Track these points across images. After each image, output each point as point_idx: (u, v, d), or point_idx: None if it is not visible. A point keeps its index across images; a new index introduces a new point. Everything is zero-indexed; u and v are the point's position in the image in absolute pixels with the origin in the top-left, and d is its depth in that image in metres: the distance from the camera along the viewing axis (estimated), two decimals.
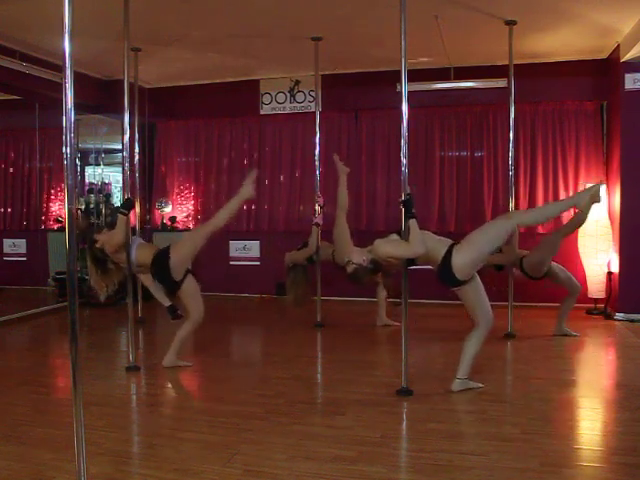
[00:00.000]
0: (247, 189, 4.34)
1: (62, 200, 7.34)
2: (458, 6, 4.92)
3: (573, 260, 6.29)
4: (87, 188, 7.78)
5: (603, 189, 6.01)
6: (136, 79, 6.25)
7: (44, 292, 7.35)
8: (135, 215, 5.85)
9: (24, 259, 7.53)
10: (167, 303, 4.62)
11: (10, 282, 7.43)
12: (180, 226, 7.88)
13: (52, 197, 7.68)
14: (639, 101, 5.96)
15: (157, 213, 7.99)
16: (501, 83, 6.21)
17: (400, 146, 3.84)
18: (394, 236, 3.92)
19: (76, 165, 7.30)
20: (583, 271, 6.36)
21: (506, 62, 5.52)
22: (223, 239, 7.44)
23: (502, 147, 6.80)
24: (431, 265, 3.87)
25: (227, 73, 7.42)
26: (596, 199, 4.04)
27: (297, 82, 7.55)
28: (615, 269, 6.25)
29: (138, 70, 6.26)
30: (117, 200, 7.76)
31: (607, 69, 6.47)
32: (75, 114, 2.34)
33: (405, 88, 3.78)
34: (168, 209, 7.89)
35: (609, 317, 6.13)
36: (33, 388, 4.03)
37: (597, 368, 4.64)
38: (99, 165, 7.76)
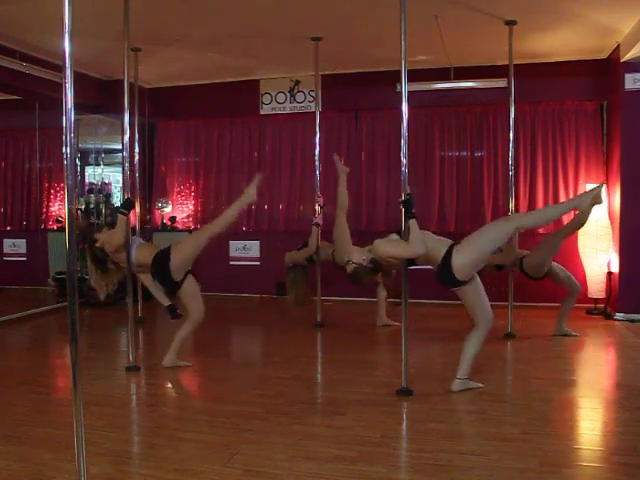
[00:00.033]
0: (250, 194, 4.35)
1: (62, 200, 7.35)
2: (458, 6, 4.92)
3: (573, 260, 6.29)
4: (87, 188, 7.79)
5: (603, 189, 6.01)
6: (136, 79, 6.24)
7: (44, 292, 7.35)
8: (135, 215, 5.84)
9: (24, 259, 7.53)
10: (167, 303, 4.62)
11: (10, 282, 7.43)
12: (180, 226, 7.88)
13: (52, 197, 7.68)
14: (639, 101, 5.96)
15: (157, 213, 7.99)
16: (501, 83, 6.21)
17: (400, 146, 3.84)
18: (394, 236, 3.92)
19: (76, 165, 7.30)
20: (583, 271, 6.36)
21: (506, 62, 5.52)
22: (223, 239, 7.42)
23: (502, 147, 6.81)
24: (431, 265, 3.87)
25: (227, 73, 7.42)
26: (598, 200, 4.04)
27: (297, 82, 7.55)
28: (615, 269, 6.25)
29: (138, 70, 6.26)
30: (117, 200, 7.76)
31: (607, 69, 6.47)
32: (75, 114, 2.34)
33: (405, 88, 3.78)
34: (168, 209, 7.89)
35: (609, 317, 6.13)
36: (33, 388, 4.03)
37: (597, 368, 4.64)
38: (99, 165, 7.76)
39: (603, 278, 6.33)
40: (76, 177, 7.32)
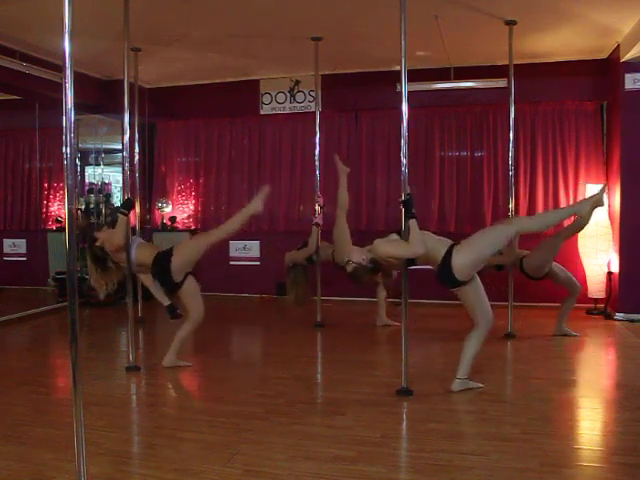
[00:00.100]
0: (256, 204, 4.34)
1: (62, 200, 7.35)
2: (458, 6, 4.92)
3: (573, 260, 6.29)
4: (87, 188, 7.79)
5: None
6: (136, 79, 6.24)
7: (44, 292, 7.35)
8: (135, 215, 5.84)
9: (24, 259, 7.53)
10: (166, 302, 4.62)
11: (10, 282, 7.43)
12: (180, 226, 7.88)
13: (52, 197, 7.68)
14: (639, 101, 5.96)
15: (157, 213, 7.99)
16: (501, 83, 6.21)
17: (400, 146, 3.84)
18: (394, 236, 3.93)
19: (76, 165, 7.30)
20: (583, 271, 6.36)
21: (506, 62, 5.52)
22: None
23: (502, 147, 6.80)
24: (431, 265, 3.87)
25: (227, 73, 7.42)
26: (599, 203, 4.03)
27: (297, 82, 7.55)
28: (615, 269, 6.25)
29: (138, 70, 6.25)
30: (117, 200, 7.76)
31: (607, 69, 6.47)
32: (75, 114, 2.34)
33: (405, 88, 3.78)
34: (168, 209, 7.89)
35: (609, 317, 6.13)
36: (33, 388, 4.03)
37: (597, 368, 4.64)
38: (99, 165, 7.76)
39: (603, 278, 6.33)
40: (76, 177, 7.32)
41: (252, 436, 3.14)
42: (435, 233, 3.94)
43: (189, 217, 7.96)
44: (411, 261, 3.83)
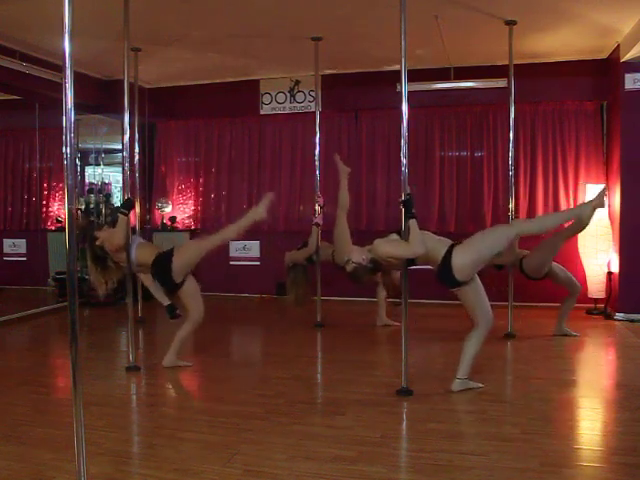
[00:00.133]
0: (260, 210, 4.31)
1: (62, 200, 7.35)
2: (458, 6, 4.92)
3: (573, 260, 6.29)
4: (87, 188, 7.78)
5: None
6: (136, 79, 6.24)
7: (44, 292, 7.35)
8: (135, 215, 5.84)
9: (24, 259, 7.53)
10: (166, 302, 4.62)
11: (10, 282, 7.43)
12: (180, 226, 7.88)
13: (52, 197, 7.68)
14: (639, 101, 5.96)
15: (157, 213, 7.99)
16: (501, 83, 6.21)
17: (400, 146, 3.84)
18: (394, 236, 3.93)
19: (76, 165, 7.30)
20: (583, 271, 6.36)
21: (506, 62, 5.52)
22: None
23: (502, 147, 6.80)
24: (431, 265, 3.87)
25: (227, 73, 7.42)
26: (600, 206, 4.03)
27: (297, 82, 7.55)
28: (615, 269, 6.25)
29: (138, 70, 6.25)
30: (117, 200, 7.76)
31: (607, 69, 6.47)
32: (75, 114, 2.34)
33: (405, 88, 3.78)
34: (168, 209, 7.89)
35: (609, 317, 6.13)
36: (33, 388, 4.03)
37: (597, 368, 4.64)
38: (99, 165, 7.76)
39: (603, 278, 6.33)
40: (76, 177, 7.32)
41: (252, 436, 3.14)
42: (435, 233, 3.94)
43: (189, 217, 7.96)
44: (411, 261, 3.82)
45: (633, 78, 5.95)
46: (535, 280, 5.37)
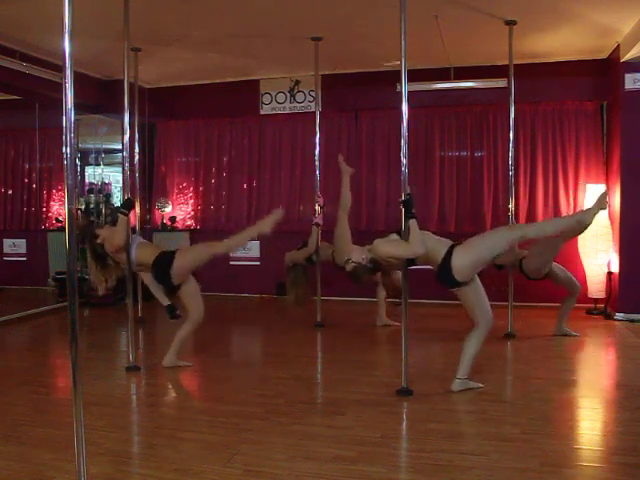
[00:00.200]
0: (266, 224, 4.28)
1: (62, 200, 7.35)
2: (458, 6, 4.92)
3: (573, 260, 6.29)
4: (87, 188, 7.79)
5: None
6: (136, 79, 6.24)
7: (44, 292, 7.35)
8: (135, 215, 5.84)
9: (24, 259, 7.53)
10: (166, 302, 4.61)
11: (10, 282, 7.43)
12: (180, 226, 7.88)
13: (52, 197, 7.69)
14: (639, 101, 5.96)
15: (157, 213, 7.99)
16: (501, 83, 6.21)
17: (400, 146, 3.84)
18: (394, 236, 3.93)
19: (76, 165, 7.30)
20: (583, 271, 6.36)
21: (506, 62, 5.51)
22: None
23: (502, 147, 6.80)
24: (431, 265, 3.87)
25: (227, 73, 7.42)
26: (603, 206, 4.02)
27: (297, 82, 7.55)
28: (615, 269, 6.25)
29: (138, 70, 6.25)
30: (117, 200, 7.76)
31: (607, 69, 6.47)
32: (75, 114, 2.34)
33: (405, 88, 3.78)
34: (168, 209, 7.89)
35: (609, 317, 6.13)
36: (33, 388, 4.03)
37: (597, 368, 4.64)
38: (99, 165, 7.76)
39: (603, 278, 6.33)
40: (76, 177, 7.32)
41: (252, 436, 3.14)
42: (435, 233, 3.94)
43: (189, 217, 7.96)
44: (411, 261, 3.83)
45: (633, 78, 5.95)
46: (535, 280, 5.37)
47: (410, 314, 3.89)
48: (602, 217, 6.17)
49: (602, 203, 3.97)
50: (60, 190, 7.54)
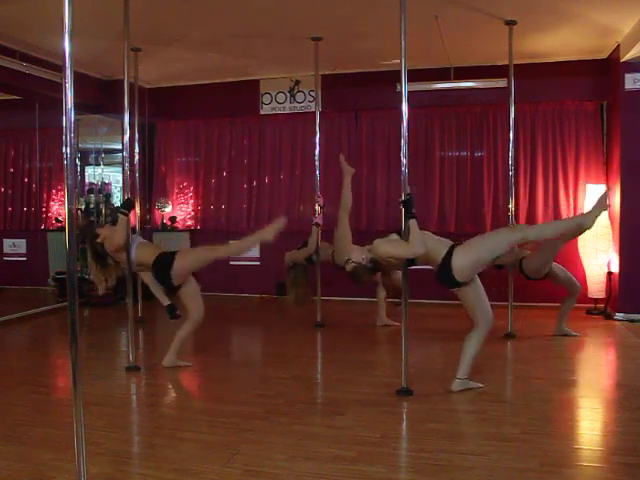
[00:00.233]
0: (268, 233, 4.30)
1: (62, 200, 7.35)
2: (458, 6, 4.92)
3: (573, 260, 6.29)
4: (87, 188, 7.79)
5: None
6: (136, 79, 6.24)
7: (44, 292, 7.35)
8: (135, 215, 5.84)
9: (24, 259, 7.53)
10: (166, 302, 4.61)
11: (10, 282, 7.43)
12: (180, 226, 7.88)
13: (52, 197, 7.69)
14: (639, 101, 5.96)
15: (157, 213, 7.99)
16: (501, 83, 6.21)
17: (400, 146, 3.84)
18: (394, 236, 3.92)
19: (76, 165, 7.30)
20: (583, 271, 6.36)
21: (506, 62, 5.51)
22: (223, 239, 7.42)
23: (502, 147, 6.80)
24: (431, 265, 3.87)
25: (227, 73, 7.42)
26: (604, 207, 4.01)
27: (297, 82, 7.55)
28: (615, 269, 6.25)
29: (138, 70, 6.25)
30: (117, 200, 7.76)
31: (607, 69, 6.47)
32: (75, 114, 2.34)
33: (405, 88, 3.78)
34: (168, 209, 7.89)
35: (609, 317, 6.13)
36: (33, 388, 4.03)
37: (597, 368, 4.64)
38: (99, 165, 7.76)
39: (603, 278, 6.33)
40: (76, 177, 7.32)
41: (252, 436, 3.14)
42: (435, 233, 3.94)
43: (189, 217, 7.96)
44: (411, 261, 3.82)
45: (633, 78, 5.95)
46: (535, 280, 5.37)
47: (410, 314, 3.89)
48: (602, 217, 6.16)
49: (603, 204, 3.97)
50: (60, 190, 7.54)
